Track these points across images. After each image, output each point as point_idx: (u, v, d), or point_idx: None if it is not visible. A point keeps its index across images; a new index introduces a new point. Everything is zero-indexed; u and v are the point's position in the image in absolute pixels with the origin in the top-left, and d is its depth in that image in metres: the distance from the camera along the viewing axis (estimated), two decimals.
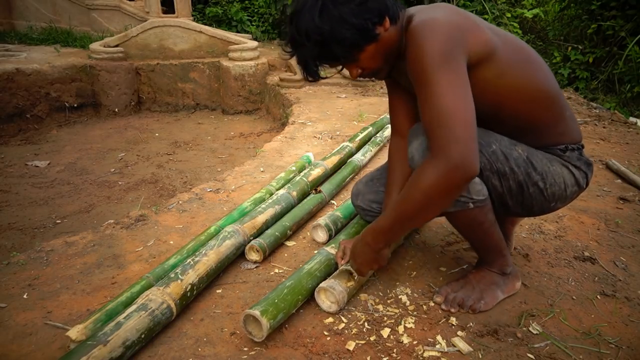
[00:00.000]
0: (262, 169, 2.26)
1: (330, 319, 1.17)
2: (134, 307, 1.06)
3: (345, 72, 1.21)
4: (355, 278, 1.22)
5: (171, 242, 1.55)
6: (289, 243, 1.56)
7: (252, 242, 1.42)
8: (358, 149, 2.43)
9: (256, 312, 1.05)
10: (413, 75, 1.00)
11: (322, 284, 1.19)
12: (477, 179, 1.08)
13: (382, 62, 1.09)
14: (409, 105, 1.31)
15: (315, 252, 1.37)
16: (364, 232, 1.17)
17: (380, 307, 1.22)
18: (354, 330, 1.12)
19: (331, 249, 1.34)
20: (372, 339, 1.10)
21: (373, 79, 1.38)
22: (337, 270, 1.25)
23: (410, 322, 1.16)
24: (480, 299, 1.21)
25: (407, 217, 1.03)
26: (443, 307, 1.21)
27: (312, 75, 1.10)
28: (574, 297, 1.28)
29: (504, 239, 1.24)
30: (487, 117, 1.10)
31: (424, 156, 1.03)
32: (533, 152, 1.13)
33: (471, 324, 1.16)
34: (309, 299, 1.22)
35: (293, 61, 5.20)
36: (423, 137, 1.06)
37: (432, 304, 1.24)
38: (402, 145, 1.28)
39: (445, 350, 1.07)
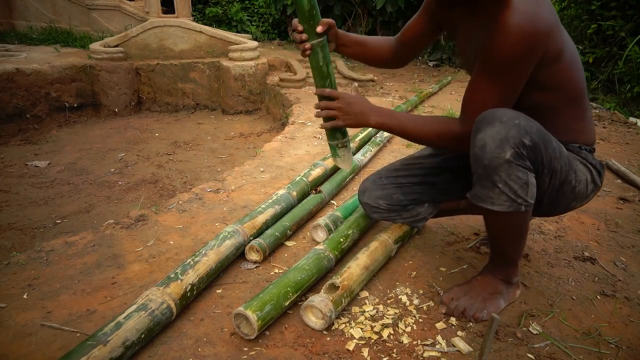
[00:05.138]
0: (262, 169, 2.26)
1: None
2: (133, 307, 1.06)
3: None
4: (339, 283, 1.16)
5: (171, 242, 1.55)
6: (289, 243, 1.56)
7: (252, 242, 1.42)
8: (358, 149, 2.43)
9: (240, 308, 1.07)
10: (483, 53, 1.02)
11: (303, 304, 1.14)
12: (534, 181, 1.05)
13: None
14: (424, 34, 1.32)
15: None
16: (376, 108, 1.21)
17: (381, 307, 1.22)
18: (354, 331, 1.12)
19: (321, 246, 1.35)
20: (372, 339, 1.10)
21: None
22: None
23: (410, 322, 1.16)
24: (483, 309, 1.18)
25: (410, 136, 1.20)
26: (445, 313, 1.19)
27: None
28: (574, 297, 1.28)
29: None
30: (524, 104, 1.10)
31: (501, 147, 0.99)
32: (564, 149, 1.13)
33: (471, 324, 1.16)
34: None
35: (293, 61, 5.20)
36: (500, 126, 1.00)
37: (432, 303, 1.24)
38: (391, 43, 1.37)
39: (445, 350, 1.07)
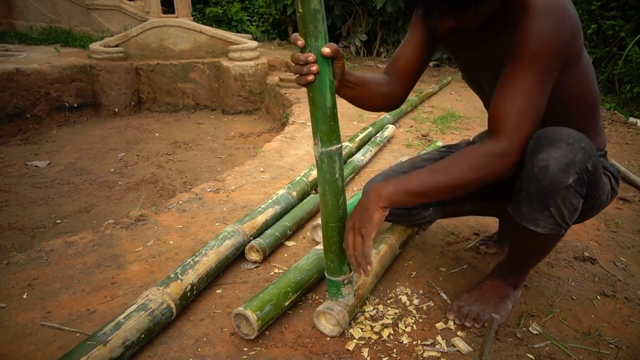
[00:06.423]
0: (262, 169, 2.26)
1: None
2: (133, 307, 1.06)
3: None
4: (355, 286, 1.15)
5: (171, 242, 1.55)
6: (289, 243, 1.56)
7: (252, 242, 1.42)
8: (358, 149, 2.43)
9: (240, 308, 1.07)
10: (516, 50, 0.94)
11: (319, 307, 1.11)
12: (581, 207, 0.99)
13: (477, 24, 0.96)
14: (425, 58, 1.18)
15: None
16: (378, 186, 0.99)
17: (381, 307, 1.22)
18: (354, 331, 1.12)
19: (321, 246, 1.34)
20: (372, 339, 1.10)
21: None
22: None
23: (410, 322, 1.16)
24: (496, 313, 1.15)
25: (447, 188, 0.98)
26: (457, 321, 1.16)
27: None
28: (573, 297, 1.28)
29: None
30: (548, 116, 1.02)
31: (566, 171, 0.92)
32: None
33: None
34: (308, 303, 1.22)
35: None
36: (566, 148, 0.92)
37: (432, 304, 1.24)
38: (386, 79, 1.19)
39: (445, 350, 1.07)
